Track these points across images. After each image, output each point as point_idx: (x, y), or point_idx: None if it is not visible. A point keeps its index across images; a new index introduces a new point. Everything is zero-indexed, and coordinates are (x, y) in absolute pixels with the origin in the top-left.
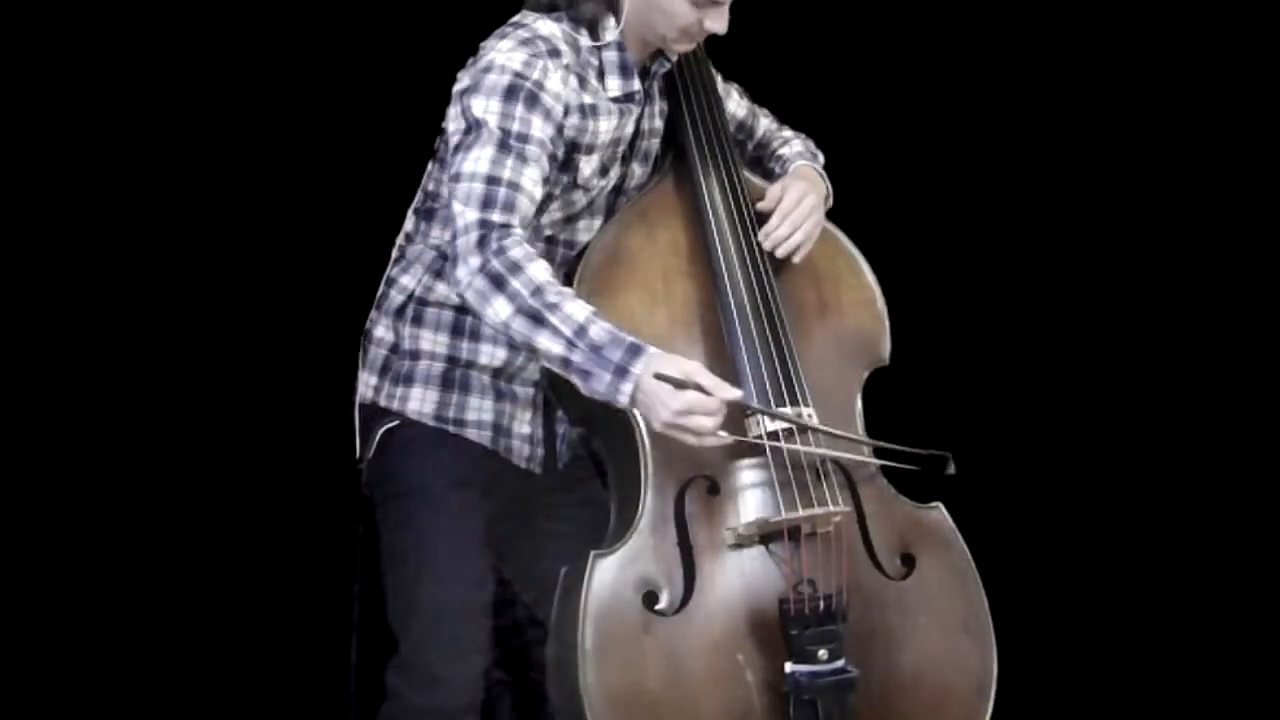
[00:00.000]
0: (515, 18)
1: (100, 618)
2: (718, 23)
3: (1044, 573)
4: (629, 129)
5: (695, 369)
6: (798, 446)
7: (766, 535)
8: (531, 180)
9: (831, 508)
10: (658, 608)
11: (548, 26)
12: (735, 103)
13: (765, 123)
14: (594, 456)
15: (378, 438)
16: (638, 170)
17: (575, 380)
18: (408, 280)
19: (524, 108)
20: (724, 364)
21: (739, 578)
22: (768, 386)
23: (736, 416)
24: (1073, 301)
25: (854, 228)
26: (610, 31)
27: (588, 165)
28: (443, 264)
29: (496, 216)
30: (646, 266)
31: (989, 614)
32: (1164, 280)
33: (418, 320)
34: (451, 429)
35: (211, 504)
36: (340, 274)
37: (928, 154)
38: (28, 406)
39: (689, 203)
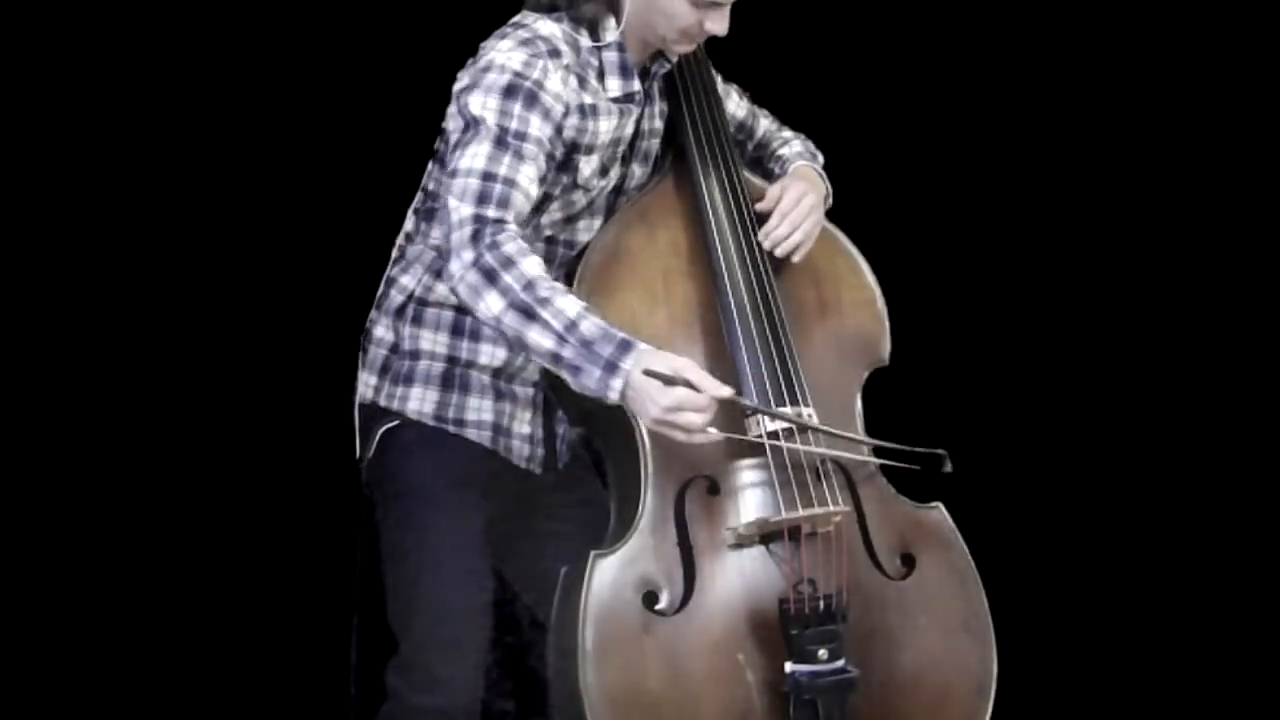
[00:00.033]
0: (515, 18)
1: (100, 617)
2: (718, 24)
3: (1044, 573)
4: (629, 129)
5: (685, 365)
6: (798, 446)
7: (766, 535)
8: (528, 178)
9: (831, 508)
10: (658, 608)
11: (548, 27)
12: (735, 103)
13: (765, 123)
14: (594, 456)
15: (378, 438)
16: (638, 170)
17: (566, 376)
18: (408, 280)
19: (522, 106)
20: (724, 364)
21: (739, 578)
22: (768, 386)
23: (737, 416)
24: (1072, 301)
25: (854, 228)
26: (610, 32)
27: (588, 165)
28: (442, 264)
29: (491, 212)
30: (646, 266)
31: (989, 614)
32: (1163, 280)
33: (418, 320)
34: (451, 429)
35: (212, 504)
36: (340, 274)
37: (927, 154)
38: (28, 407)
39: (689, 203)
